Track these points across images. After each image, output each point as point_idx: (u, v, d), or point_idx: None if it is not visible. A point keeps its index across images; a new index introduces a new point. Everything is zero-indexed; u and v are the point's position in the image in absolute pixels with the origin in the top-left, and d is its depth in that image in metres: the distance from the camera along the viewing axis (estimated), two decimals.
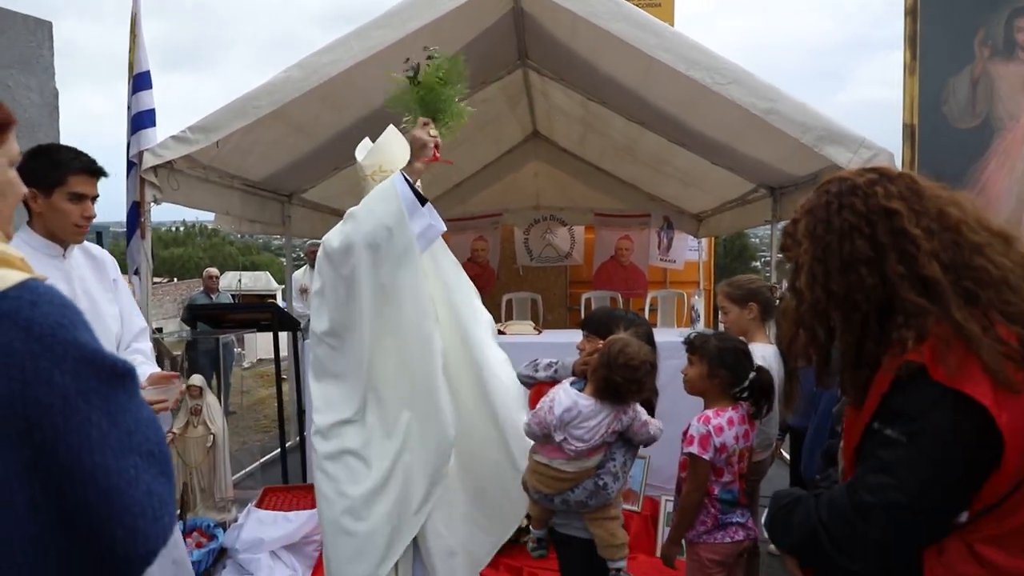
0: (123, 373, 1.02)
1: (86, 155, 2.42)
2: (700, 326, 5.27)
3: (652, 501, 4.19)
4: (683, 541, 2.55)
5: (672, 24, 9.11)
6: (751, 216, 6.49)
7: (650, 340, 2.49)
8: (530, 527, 2.61)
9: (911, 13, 3.68)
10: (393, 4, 3.77)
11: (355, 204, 2.43)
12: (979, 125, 3.68)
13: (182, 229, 40.57)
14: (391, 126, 2.65)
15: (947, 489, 1.16)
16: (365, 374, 2.34)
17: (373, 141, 2.63)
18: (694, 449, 2.42)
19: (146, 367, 2.49)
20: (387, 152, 2.56)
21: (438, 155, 2.32)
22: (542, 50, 5.21)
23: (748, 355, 2.52)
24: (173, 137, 3.77)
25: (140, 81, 3.80)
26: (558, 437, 2.31)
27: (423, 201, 2.31)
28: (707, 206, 7.74)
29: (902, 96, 3.71)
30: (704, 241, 9.09)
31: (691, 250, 9.07)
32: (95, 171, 2.39)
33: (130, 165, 3.83)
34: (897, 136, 3.81)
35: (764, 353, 2.71)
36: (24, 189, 1.18)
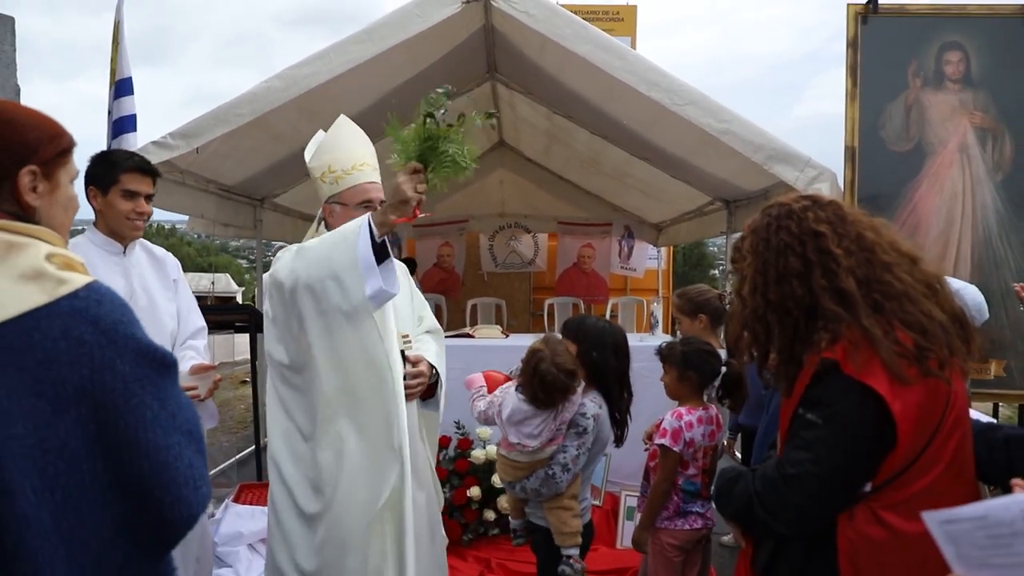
0: (170, 364, 1.20)
1: (139, 156, 2.64)
2: (659, 331, 5.53)
3: (612, 496, 4.43)
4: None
5: (634, 36, 9.49)
6: (708, 227, 6.80)
7: (623, 345, 2.71)
8: (510, 519, 2.88)
9: (852, 45, 4.00)
10: (371, 21, 3.95)
11: (317, 209, 2.47)
12: (912, 148, 4.00)
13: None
14: (343, 116, 2.49)
15: (854, 463, 1.40)
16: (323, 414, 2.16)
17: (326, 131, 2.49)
18: (666, 441, 2.68)
19: (194, 362, 2.62)
20: (336, 149, 2.38)
21: (418, 212, 2.07)
22: (511, 65, 5.43)
23: (714, 355, 2.79)
24: (155, 143, 3.87)
25: (122, 87, 3.91)
26: (513, 439, 2.57)
27: (383, 257, 2.08)
28: (666, 216, 8.05)
29: (844, 121, 4.02)
30: (663, 250, 9.42)
31: (651, 258, 9.38)
32: (147, 170, 2.57)
33: None
34: None
35: None
36: (78, 203, 1.34)
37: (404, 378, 2.24)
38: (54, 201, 1.27)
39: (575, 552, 2.60)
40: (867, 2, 3.99)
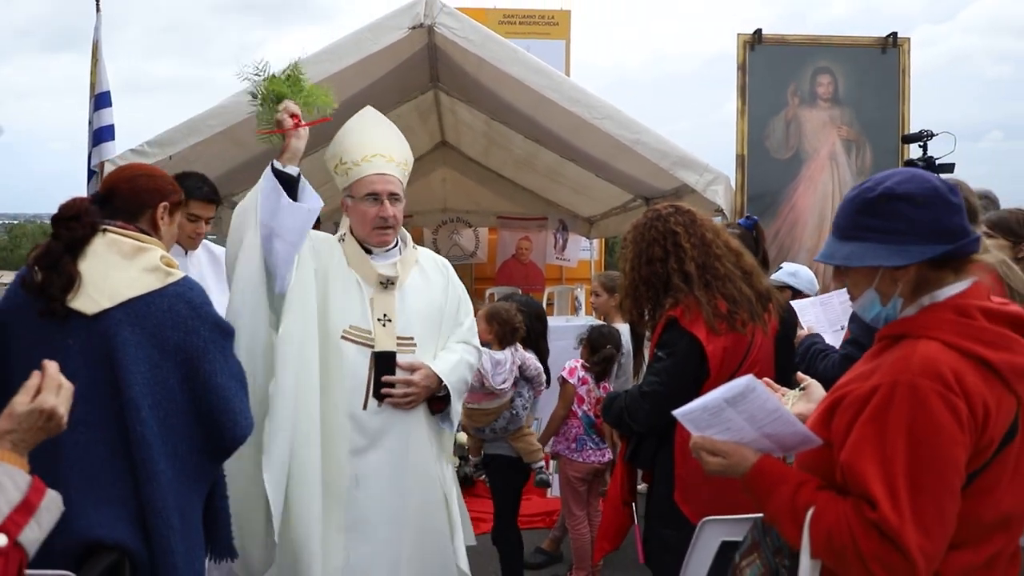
0: (231, 333, 1.80)
1: (208, 186, 3.07)
2: (582, 313, 6.28)
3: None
4: (556, 462, 3.72)
5: (568, 39, 10.16)
6: (632, 221, 7.53)
7: (539, 314, 3.64)
8: (470, 457, 3.69)
9: (741, 68, 4.72)
10: (328, 44, 4.48)
11: None
12: (791, 156, 4.76)
13: None
14: (368, 108, 2.55)
15: (684, 383, 2.08)
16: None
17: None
18: (564, 374, 3.62)
19: None
20: (347, 141, 2.44)
21: (299, 121, 2.21)
22: (451, 77, 6.00)
23: (606, 336, 3.66)
24: (132, 150, 4.31)
25: (101, 100, 4.33)
26: (497, 386, 3.32)
27: (293, 185, 2.15)
28: (596, 211, 8.76)
29: (735, 132, 4.75)
30: (595, 242, 10.14)
31: (584, 250, 10.10)
32: (211, 199, 3.04)
33: (91, 173, 4.36)
34: None
35: (621, 329, 3.72)
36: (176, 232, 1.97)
37: (395, 385, 2.25)
38: (169, 228, 1.92)
39: (542, 463, 3.49)
40: (753, 33, 4.72)
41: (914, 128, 4.49)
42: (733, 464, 1.44)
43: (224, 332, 1.79)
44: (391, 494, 2.27)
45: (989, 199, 3.19)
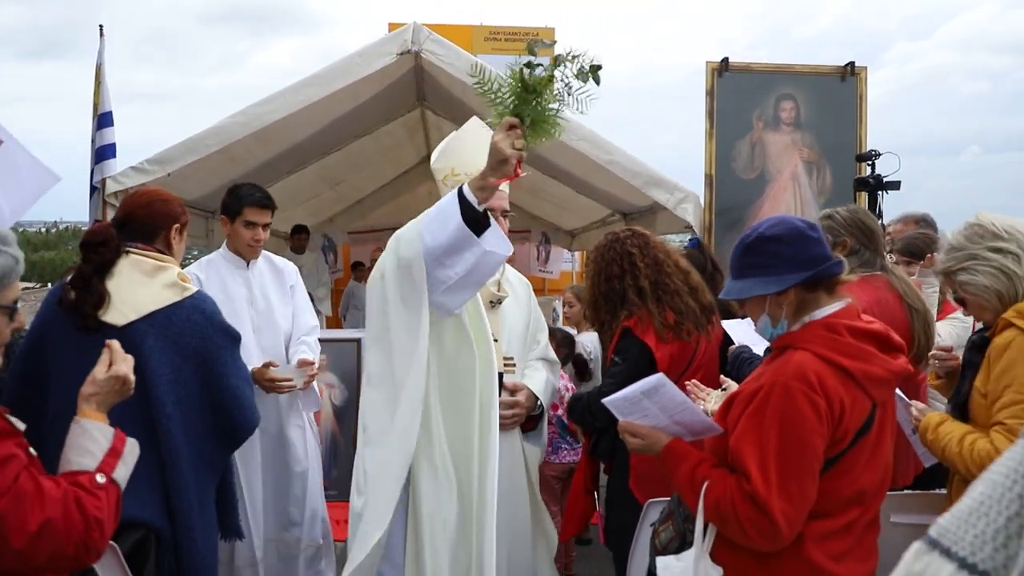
0: (237, 338, 2.05)
1: (261, 193, 3.07)
2: (559, 323, 6.55)
3: None
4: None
5: (552, 54, 10.45)
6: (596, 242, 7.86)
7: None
8: None
9: (710, 94, 5.03)
10: (320, 68, 4.75)
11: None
12: (756, 177, 5.07)
13: (53, 231, 38.52)
14: (475, 119, 2.38)
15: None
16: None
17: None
18: None
19: (305, 356, 3.01)
20: (462, 152, 2.30)
21: (519, 171, 1.92)
22: (437, 98, 6.28)
23: (558, 339, 3.96)
24: (132, 168, 4.55)
25: (104, 120, 4.56)
26: None
27: (484, 226, 1.93)
28: (578, 225, 9.05)
29: (704, 154, 5.05)
30: (577, 254, 10.45)
31: (566, 262, 10.40)
32: (266, 205, 3.05)
33: (92, 189, 4.59)
34: None
35: (591, 338, 3.99)
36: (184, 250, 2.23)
37: (500, 407, 2.15)
38: (179, 246, 2.18)
39: None
40: (721, 61, 5.03)
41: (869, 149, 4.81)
42: (649, 444, 1.78)
43: (232, 338, 2.07)
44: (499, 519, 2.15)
45: (926, 221, 3.50)
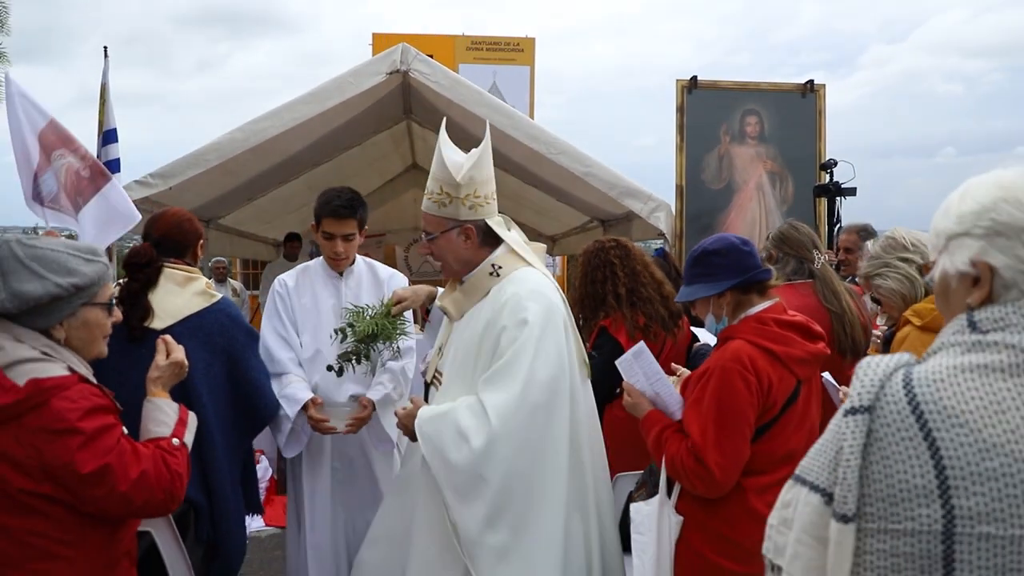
0: (257, 336, 2.33)
1: (336, 201, 2.76)
2: None
3: None
4: None
5: (533, 65, 10.80)
6: (591, 240, 8.16)
7: None
8: None
9: (680, 110, 5.38)
10: (314, 87, 5.03)
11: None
12: (724, 187, 5.42)
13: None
14: (487, 137, 2.29)
15: (609, 376, 2.65)
16: None
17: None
18: None
19: (368, 394, 2.77)
20: (483, 172, 2.21)
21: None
22: (423, 111, 6.57)
23: None
24: (136, 182, 4.81)
25: (109, 136, 4.81)
26: None
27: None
28: (558, 230, 9.38)
29: (675, 166, 5.40)
30: (559, 258, 10.79)
31: (548, 266, 10.70)
32: (341, 215, 2.75)
33: None
34: None
35: None
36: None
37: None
38: (203, 257, 2.44)
39: None
40: (690, 79, 5.39)
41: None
42: (636, 408, 2.18)
43: (253, 336, 2.42)
44: None
45: (867, 231, 3.88)
